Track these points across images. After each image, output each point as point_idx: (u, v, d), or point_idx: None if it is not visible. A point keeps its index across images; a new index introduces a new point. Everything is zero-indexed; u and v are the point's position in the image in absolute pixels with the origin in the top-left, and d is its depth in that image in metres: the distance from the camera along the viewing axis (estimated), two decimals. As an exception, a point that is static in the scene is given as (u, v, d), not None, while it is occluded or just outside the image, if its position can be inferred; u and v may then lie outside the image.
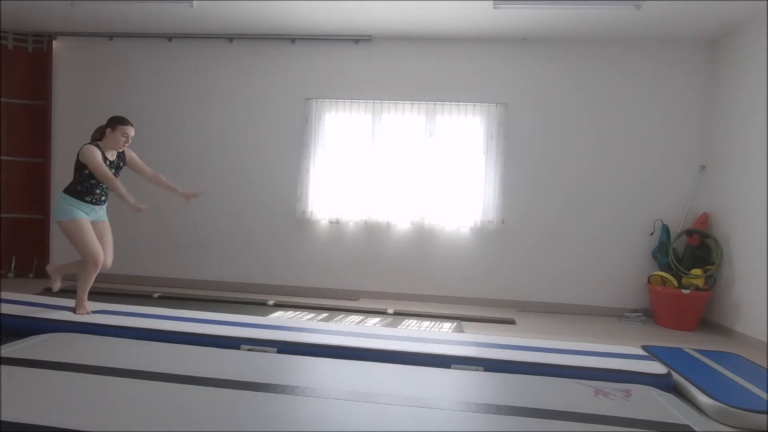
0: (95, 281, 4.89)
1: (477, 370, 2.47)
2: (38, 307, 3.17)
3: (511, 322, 4.02)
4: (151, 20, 4.53)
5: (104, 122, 3.12)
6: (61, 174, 5.00)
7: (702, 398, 2.24)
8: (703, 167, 4.39)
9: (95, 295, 4.18)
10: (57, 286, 3.30)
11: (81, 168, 3.02)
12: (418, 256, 4.69)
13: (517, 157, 4.57)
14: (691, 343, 3.55)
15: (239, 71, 4.85)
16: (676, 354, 2.97)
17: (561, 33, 4.38)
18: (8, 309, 2.99)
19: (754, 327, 3.63)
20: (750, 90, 3.85)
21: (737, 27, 4.03)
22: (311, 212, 4.74)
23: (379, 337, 2.91)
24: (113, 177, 3.00)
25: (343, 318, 3.83)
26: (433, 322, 3.83)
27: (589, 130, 4.52)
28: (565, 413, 1.93)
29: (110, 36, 4.90)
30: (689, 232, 4.26)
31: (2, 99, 4.86)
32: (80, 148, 3.02)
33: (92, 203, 3.09)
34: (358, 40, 4.68)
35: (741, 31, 4.01)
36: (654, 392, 2.24)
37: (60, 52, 4.99)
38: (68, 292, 4.32)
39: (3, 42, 4.86)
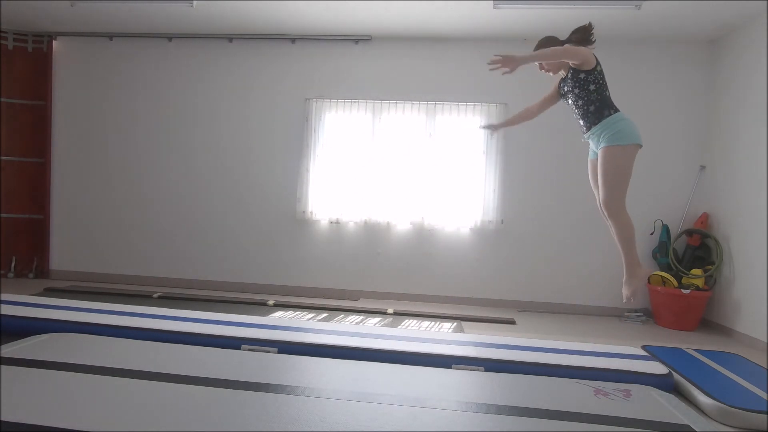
0: (92, 281, 4.95)
1: (477, 370, 2.47)
2: (38, 307, 3.16)
3: (511, 322, 4.02)
4: (151, 20, 4.53)
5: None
6: (61, 174, 5.01)
7: (702, 398, 2.24)
8: (703, 167, 4.39)
9: (95, 295, 4.19)
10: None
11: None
12: (418, 256, 4.69)
13: (517, 157, 4.57)
14: (691, 343, 3.55)
15: (239, 71, 4.84)
16: (676, 354, 2.97)
17: (561, 33, 4.36)
18: (8, 309, 2.99)
19: (754, 327, 3.63)
20: (750, 90, 3.85)
21: (737, 27, 4.03)
22: (311, 212, 4.74)
23: (379, 337, 2.90)
24: None
25: (343, 318, 3.83)
26: (433, 322, 3.82)
27: (589, 130, 4.52)
28: (565, 413, 1.93)
29: (110, 36, 4.89)
30: (689, 232, 4.26)
31: (2, 99, 4.86)
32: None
33: None
34: (358, 40, 4.68)
35: (741, 31, 4.01)
36: (654, 392, 2.24)
37: (60, 52, 4.98)
38: (68, 292, 4.32)
39: (3, 42, 4.86)
